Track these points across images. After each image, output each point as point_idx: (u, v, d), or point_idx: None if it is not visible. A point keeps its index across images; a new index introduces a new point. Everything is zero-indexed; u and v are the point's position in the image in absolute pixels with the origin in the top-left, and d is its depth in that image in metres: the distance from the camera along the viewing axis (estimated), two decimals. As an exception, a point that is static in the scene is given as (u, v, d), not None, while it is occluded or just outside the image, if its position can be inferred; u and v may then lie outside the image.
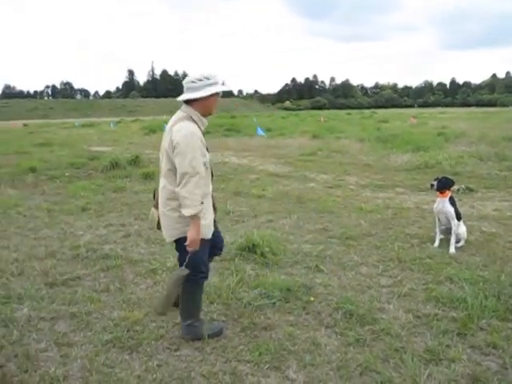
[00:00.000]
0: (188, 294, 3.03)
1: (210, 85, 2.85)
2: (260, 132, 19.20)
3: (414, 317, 3.35)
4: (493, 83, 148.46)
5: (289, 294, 3.71)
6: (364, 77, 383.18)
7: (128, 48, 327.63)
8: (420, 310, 3.46)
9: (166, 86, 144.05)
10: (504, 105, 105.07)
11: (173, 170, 2.82)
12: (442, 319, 3.28)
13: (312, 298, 3.65)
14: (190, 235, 2.77)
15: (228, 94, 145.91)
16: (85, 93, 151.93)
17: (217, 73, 2.90)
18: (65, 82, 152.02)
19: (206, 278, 3.12)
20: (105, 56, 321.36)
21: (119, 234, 5.63)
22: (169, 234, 2.96)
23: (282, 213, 6.61)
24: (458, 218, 4.90)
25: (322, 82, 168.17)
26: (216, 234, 3.16)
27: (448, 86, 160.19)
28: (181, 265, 2.94)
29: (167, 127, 2.92)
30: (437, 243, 4.97)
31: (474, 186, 8.35)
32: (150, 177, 9.79)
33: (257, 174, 10.56)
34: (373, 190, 8.52)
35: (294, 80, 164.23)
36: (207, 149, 2.94)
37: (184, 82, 2.91)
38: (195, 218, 2.75)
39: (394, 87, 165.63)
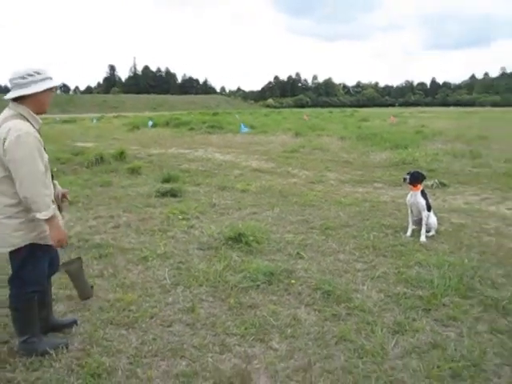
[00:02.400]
0: (16, 312, 2.86)
1: (42, 80, 2.69)
2: (244, 129, 19.45)
3: (385, 296, 3.70)
4: (471, 84, 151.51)
5: (272, 278, 4.01)
6: (346, 75, 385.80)
7: (109, 43, 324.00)
8: (391, 290, 3.81)
9: (148, 82, 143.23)
10: (482, 105, 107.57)
11: (7, 175, 2.59)
12: (409, 297, 3.64)
13: (293, 281, 3.97)
14: (55, 236, 2.68)
15: (210, 91, 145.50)
16: (65, 88, 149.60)
17: (46, 68, 2.75)
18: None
19: (39, 292, 2.89)
20: (85, 50, 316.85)
21: (109, 225, 5.85)
22: (6, 243, 2.68)
23: (265, 206, 6.92)
24: (429, 209, 5.28)
25: (305, 80, 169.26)
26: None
27: (428, 86, 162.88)
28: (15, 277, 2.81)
29: None
30: (409, 233, 5.34)
31: (447, 182, 8.80)
32: (137, 172, 10.01)
33: (240, 169, 10.84)
34: (352, 185, 8.89)
35: (276, 78, 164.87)
36: (45, 149, 2.80)
37: (10, 79, 2.68)
38: (52, 219, 2.63)
39: (375, 86, 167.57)
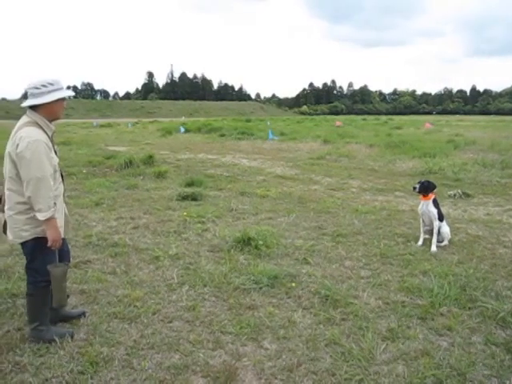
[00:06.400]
0: (30, 298, 3.12)
1: (54, 90, 2.92)
2: (271, 136, 19.62)
3: (383, 303, 3.73)
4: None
5: (275, 281, 4.11)
6: (382, 83, 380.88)
7: (148, 50, 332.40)
8: (390, 297, 3.84)
9: (185, 89, 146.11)
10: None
11: (18, 175, 2.85)
12: (407, 305, 3.66)
13: (294, 284, 4.06)
14: (51, 236, 2.88)
15: (245, 98, 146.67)
16: (105, 93, 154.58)
17: (59, 78, 2.98)
18: (86, 82, 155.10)
19: (49, 282, 3.04)
20: (125, 58, 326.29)
21: (128, 226, 6.11)
22: (17, 235, 2.96)
23: (281, 212, 7.02)
24: (441, 218, 5.25)
25: (340, 87, 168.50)
26: (64, 243, 3.15)
27: (468, 94, 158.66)
28: (29, 267, 3.07)
29: (12, 132, 2.92)
30: (420, 242, 5.32)
31: (472, 192, 8.63)
32: (162, 175, 10.33)
33: (264, 175, 10.99)
34: (373, 193, 8.87)
35: (311, 85, 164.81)
36: (55, 152, 3.02)
37: (27, 88, 2.92)
38: (50, 219, 2.86)
39: (412, 94, 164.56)
